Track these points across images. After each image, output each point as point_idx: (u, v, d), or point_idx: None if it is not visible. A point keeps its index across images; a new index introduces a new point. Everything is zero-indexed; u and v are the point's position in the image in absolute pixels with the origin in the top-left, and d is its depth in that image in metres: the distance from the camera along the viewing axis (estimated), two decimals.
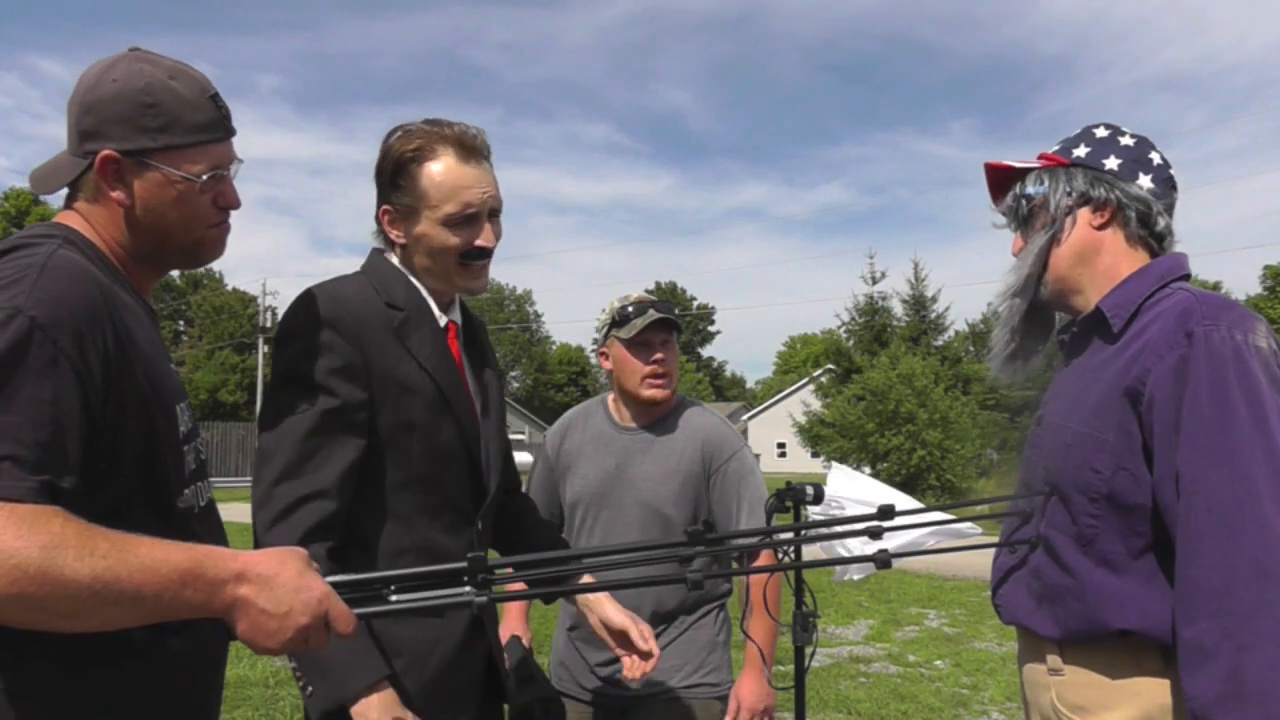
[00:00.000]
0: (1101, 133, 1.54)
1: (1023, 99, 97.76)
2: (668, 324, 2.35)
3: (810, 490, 2.13)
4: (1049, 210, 1.52)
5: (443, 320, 1.66)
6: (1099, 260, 1.49)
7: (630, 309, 2.35)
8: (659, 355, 2.33)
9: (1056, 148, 1.57)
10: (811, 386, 31.55)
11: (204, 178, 1.28)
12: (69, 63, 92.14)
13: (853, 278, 64.11)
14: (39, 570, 0.94)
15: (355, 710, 1.37)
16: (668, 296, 54.67)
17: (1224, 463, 1.21)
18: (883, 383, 23.44)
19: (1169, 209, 1.51)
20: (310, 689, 1.41)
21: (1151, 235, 1.49)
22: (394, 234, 1.64)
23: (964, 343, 28.56)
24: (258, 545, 1.41)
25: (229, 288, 55.03)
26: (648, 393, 2.34)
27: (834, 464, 2.11)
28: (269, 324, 41.25)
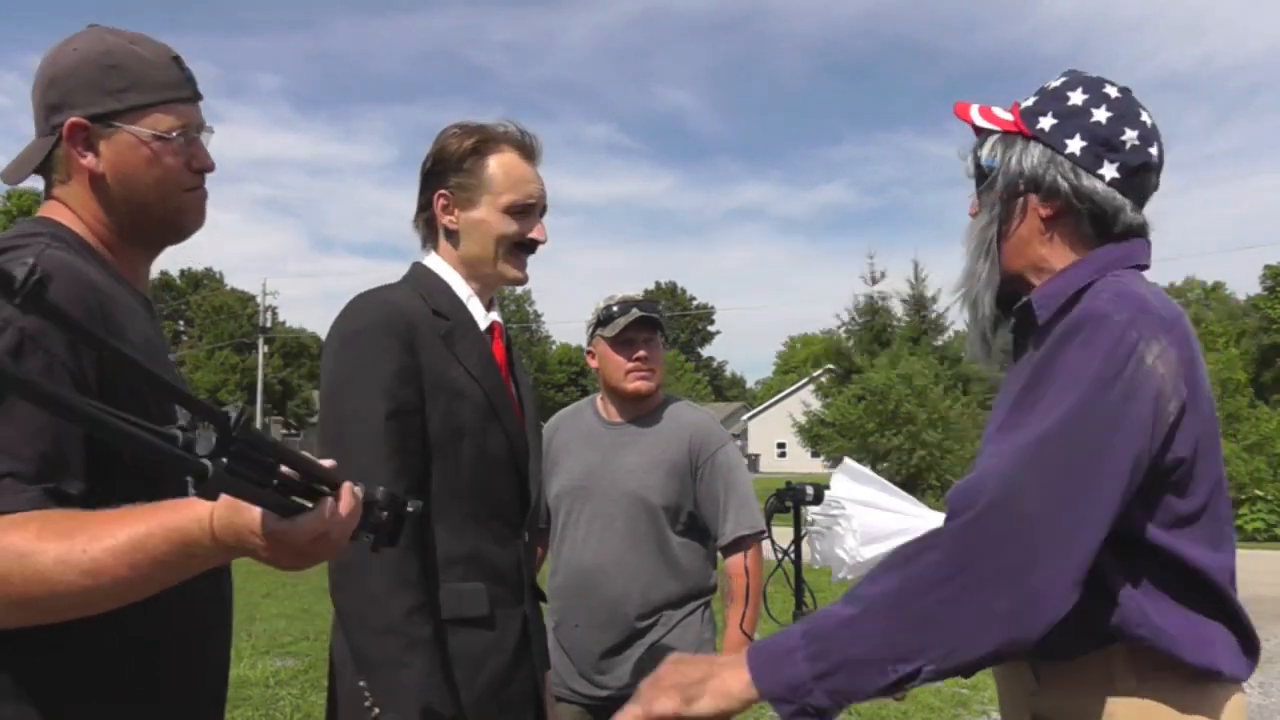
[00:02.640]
0: (1075, 99, 1.32)
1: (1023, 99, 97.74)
2: (650, 322, 2.39)
3: (810, 490, 2.13)
4: (996, 189, 1.35)
5: (485, 322, 1.68)
6: (1039, 252, 1.34)
7: (615, 308, 2.40)
8: (641, 352, 2.38)
9: (1030, 102, 1.37)
10: (811, 386, 31.57)
11: (174, 134, 1.28)
12: None
13: (853, 278, 64.14)
14: (21, 575, 0.94)
15: None
16: (668, 296, 54.75)
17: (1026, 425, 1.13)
18: (883, 383, 23.44)
19: (1141, 198, 1.32)
20: (377, 711, 1.41)
21: (1110, 237, 1.31)
22: (448, 219, 1.66)
23: (964, 343, 28.48)
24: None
25: (229, 288, 55.08)
26: (632, 385, 2.37)
27: (845, 459, 2.06)
28: (269, 324, 41.27)
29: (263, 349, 38.59)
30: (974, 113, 1.40)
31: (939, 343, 26.98)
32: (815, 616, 1.12)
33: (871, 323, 27.27)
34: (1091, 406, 1.10)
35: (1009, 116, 1.36)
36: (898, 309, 27.58)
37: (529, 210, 1.67)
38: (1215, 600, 1.21)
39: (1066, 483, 1.08)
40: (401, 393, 1.50)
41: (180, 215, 1.33)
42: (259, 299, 40.06)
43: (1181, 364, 1.15)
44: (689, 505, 2.36)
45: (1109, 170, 1.29)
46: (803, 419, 26.33)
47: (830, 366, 29.31)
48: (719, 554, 2.43)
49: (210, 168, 1.35)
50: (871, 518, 2.24)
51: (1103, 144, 1.29)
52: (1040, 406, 1.13)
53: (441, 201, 1.66)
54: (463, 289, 1.67)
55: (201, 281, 57.44)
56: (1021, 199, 1.33)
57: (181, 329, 57.41)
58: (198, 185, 1.34)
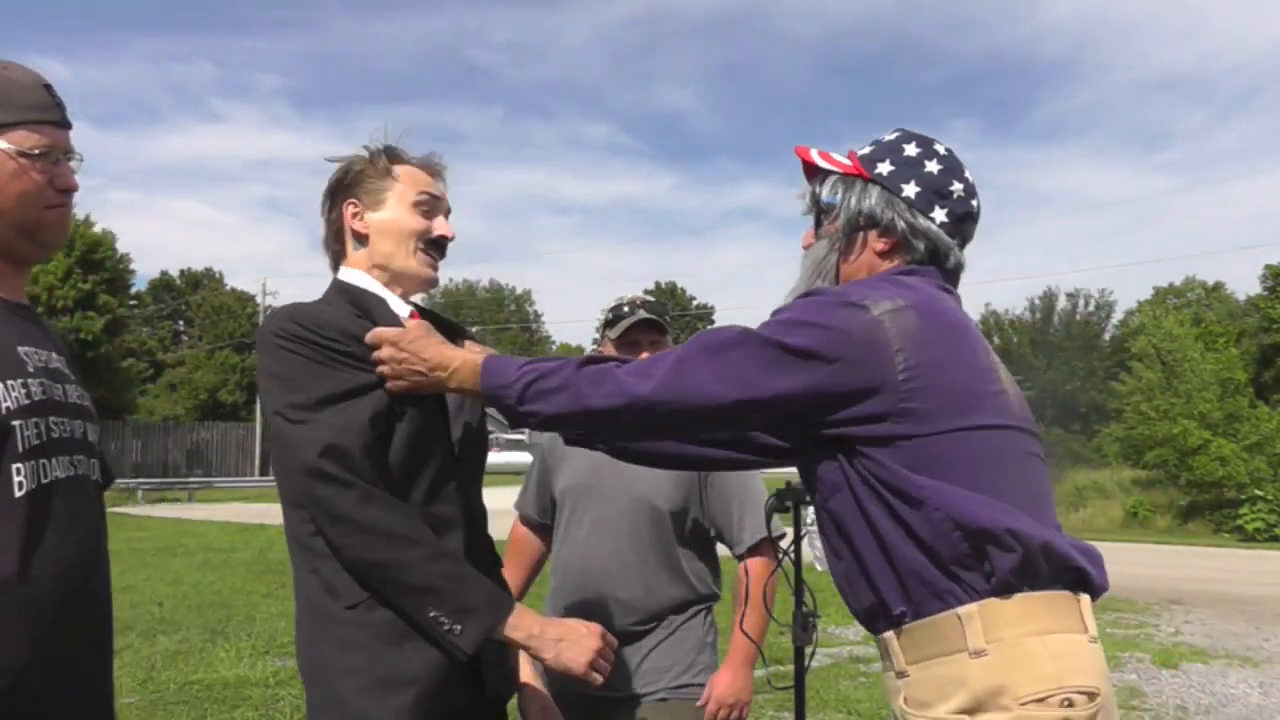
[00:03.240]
0: (910, 151, 1.49)
1: (1023, 99, 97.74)
2: (654, 324, 2.39)
3: None
4: (836, 223, 1.50)
5: (405, 311, 1.71)
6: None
7: (625, 308, 2.40)
8: (645, 354, 2.31)
9: (867, 150, 1.53)
10: None
11: (37, 152, 1.34)
12: (69, 63, 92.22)
13: None
14: None
15: (511, 624, 1.50)
16: (668, 296, 54.69)
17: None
18: None
19: (962, 242, 1.49)
20: (460, 628, 1.46)
21: (942, 272, 1.47)
22: (358, 225, 1.72)
23: None
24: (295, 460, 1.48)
25: (229, 288, 55.06)
26: None
27: None
28: None
29: None
30: (815, 154, 1.55)
31: None
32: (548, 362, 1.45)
33: None
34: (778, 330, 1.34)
35: (848, 162, 1.52)
36: None
37: (435, 206, 1.74)
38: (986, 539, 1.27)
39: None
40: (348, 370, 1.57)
41: (39, 229, 1.39)
42: (259, 299, 40.03)
43: (918, 329, 1.31)
44: (695, 511, 2.34)
45: (940, 214, 1.46)
46: None
47: None
48: (736, 560, 2.41)
49: (73, 188, 1.41)
50: None
51: (935, 191, 1.46)
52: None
53: (351, 209, 1.73)
54: (380, 290, 1.71)
55: (201, 281, 57.38)
56: (861, 233, 1.48)
57: (181, 329, 57.41)
58: (61, 204, 1.40)
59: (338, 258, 1.76)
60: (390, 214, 1.71)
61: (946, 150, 1.51)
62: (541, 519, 2.53)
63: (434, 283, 1.77)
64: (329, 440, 1.46)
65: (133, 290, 38.05)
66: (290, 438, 1.48)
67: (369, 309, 1.66)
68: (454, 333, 1.75)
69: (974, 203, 1.50)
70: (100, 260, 31.26)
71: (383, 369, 1.54)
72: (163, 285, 56.72)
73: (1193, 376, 20.70)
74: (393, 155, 1.75)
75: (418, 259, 1.72)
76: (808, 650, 2.18)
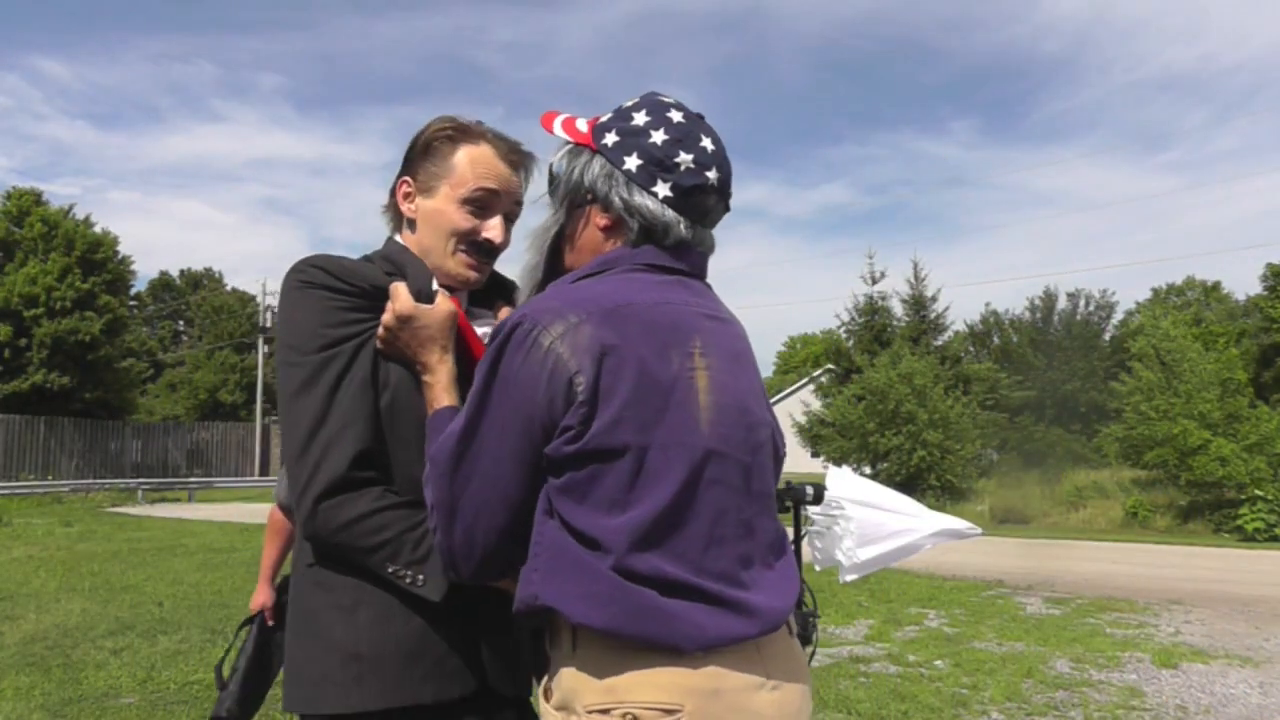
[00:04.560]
0: (638, 120, 1.38)
1: (1024, 99, 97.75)
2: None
3: (810, 490, 2.13)
4: (559, 195, 1.43)
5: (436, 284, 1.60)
6: (598, 256, 1.40)
7: None
8: None
9: (605, 119, 1.43)
10: (811, 386, 31.55)
11: None
12: (69, 63, 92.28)
13: (853, 278, 64.06)
14: None
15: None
16: None
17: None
18: (883, 383, 23.44)
19: (700, 216, 1.39)
20: (423, 579, 1.40)
21: (664, 251, 1.37)
22: (407, 207, 1.61)
23: (964, 343, 28.51)
24: (308, 486, 1.45)
25: (229, 288, 55.04)
26: None
27: (830, 467, 2.08)
28: (268, 324, 41.20)
29: (263, 349, 38.54)
30: (556, 123, 1.46)
31: (939, 342, 26.99)
32: (446, 429, 1.36)
33: (871, 322, 27.26)
34: (481, 400, 1.27)
35: (585, 130, 1.43)
36: (898, 309, 27.58)
37: (488, 206, 1.58)
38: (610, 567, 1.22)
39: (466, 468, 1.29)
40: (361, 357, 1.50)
41: None
42: (259, 299, 39.98)
43: (593, 344, 1.23)
44: None
45: (662, 189, 1.35)
46: (803, 419, 26.31)
47: (830, 366, 29.31)
48: None
49: None
50: (870, 518, 2.24)
51: (656, 164, 1.36)
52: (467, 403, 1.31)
53: (404, 188, 1.62)
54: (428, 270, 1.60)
55: (201, 281, 57.38)
56: (584, 208, 1.40)
57: (181, 329, 57.41)
58: None
59: (394, 229, 1.67)
60: (436, 205, 1.58)
61: (683, 117, 1.40)
62: (290, 504, 2.75)
63: (475, 284, 1.63)
64: (330, 479, 1.42)
65: (133, 290, 38.02)
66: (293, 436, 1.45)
67: (403, 265, 1.57)
68: (501, 290, 1.70)
69: (709, 174, 1.38)
70: (100, 260, 31.26)
71: (382, 332, 1.49)
72: (163, 285, 56.72)
73: (1192, 376, 20.70)
74: (464, 132, 1.59)
75: (455, 259, 1.59)
76: (807, 650, 2.18)
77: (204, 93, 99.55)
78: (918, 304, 27.19)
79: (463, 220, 1.57)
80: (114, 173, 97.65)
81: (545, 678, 1.35)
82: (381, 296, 1.51)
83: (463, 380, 1.48)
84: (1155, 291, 45.40)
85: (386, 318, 1.48)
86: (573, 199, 1.41)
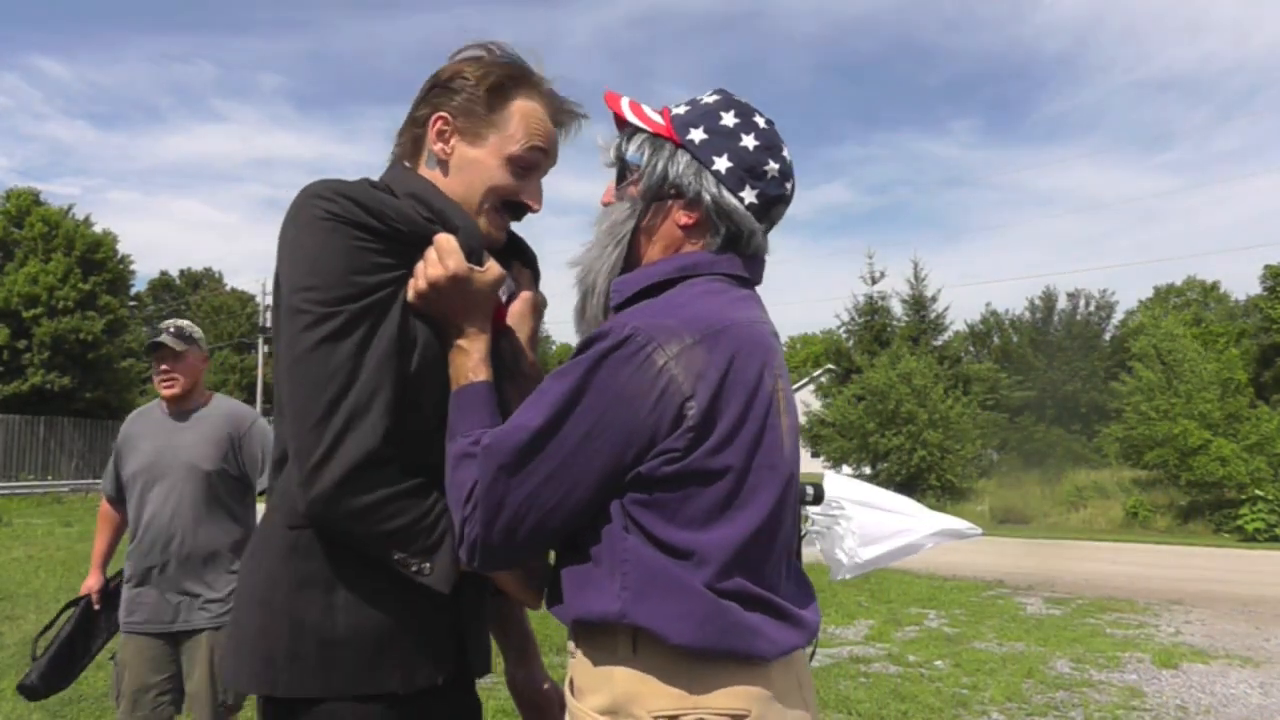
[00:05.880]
0: (728, 120, 1.35)
1: (1024, 99, 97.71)
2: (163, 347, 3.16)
3: (810, 490, 2.13)
4: (638, 186, 1.35)
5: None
6: (670, 252, 1.35)
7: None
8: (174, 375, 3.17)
9: (681, 110, 1.38)
10: (811, 386, 31.58)
11: None
12: (69, 63, 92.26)
13: (853, 278, 63.98)
14: None
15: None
16: None
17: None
18: (883, 383, 23.45)
19: (769, 226, 1.37)
20: (428, 566, 1.29)
21: (741, 259, 1.34)
22: (440, 146, 1.43)
23: (964, 343, 28.54)
24: (315, 471, 1.24)
25: (228, 288, 55.04)
26: None
27: (828, 473, 2.09)
28: (268, 324, 41.22)
29: (262, 349, 38.54)
30: (625, 105, 1.39)
31: (939, 342, 27.00)
32: (497, 432, 1.24)
33: (871, 322, 27.28)
34: (570, 402, 1.20)
35: (660, 120, 1.37)
36: (898, 309, 27.62)
37: (534, 166, 1.45)
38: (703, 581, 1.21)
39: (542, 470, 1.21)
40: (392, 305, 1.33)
41: None
42: (259, 299, 39.98)
43: (708, 367, 1.19)
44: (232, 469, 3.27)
45: (749, 195, 1.33)
46: (803, 419, 26.33)
47: (830, 366, 29.35)
48: None
49: None
50: (870, 518, 2.24)
51: (747, 170, 1.33)
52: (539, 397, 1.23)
53: (439, 124, 1.43)
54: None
55: (201, 281, 57.37)
56: (666, 202, 1.35)
57: None
58: None
59: (404, 155, 1.48)
60: (479, 156, 1.42)
61: (767, 124, 1.38)
62: (118, 495, 3.32)
63: (497, 244, 1.48)
64: (347, 469, 1.24)
65: (133, 290, 38.01)
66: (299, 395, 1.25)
67: (444, 213, 1.39)
68: (518, 251, 1.57)
69: (788, 185, 1.37)
70: (100, 260, 31.26)
71: (425, 287, 1.31)
72: (163, 285, 56.69)
73: (1193, 377, 20.72)
74: (522, 80, 1.43)
75: (485, 218, 1.44)
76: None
77: (204, 92, 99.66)
78: (918, 304, 27.21)
79: (505, 179, 1.43)
80: (114, 173, 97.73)
81: (571, 675, 1.32)
82: (418, 242, 1.33)
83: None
84: (1156, 290, 45.44)
85: (435, 272, 1.31)
86: (656, 192, 1.35)
